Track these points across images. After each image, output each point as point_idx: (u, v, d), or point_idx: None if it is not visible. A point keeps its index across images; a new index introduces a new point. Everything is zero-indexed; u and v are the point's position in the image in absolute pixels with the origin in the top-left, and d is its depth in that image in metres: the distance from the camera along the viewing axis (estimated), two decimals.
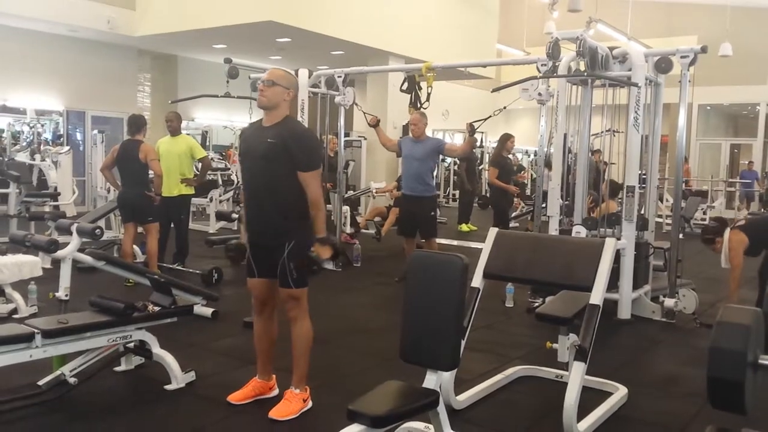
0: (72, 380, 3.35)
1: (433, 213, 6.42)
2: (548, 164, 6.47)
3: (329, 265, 7.14)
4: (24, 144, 11.66)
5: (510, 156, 8.92)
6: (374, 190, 10.22)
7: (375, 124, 6.62)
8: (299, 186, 3.13)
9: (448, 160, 16.46)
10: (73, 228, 4.48)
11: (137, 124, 6.05)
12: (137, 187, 5.90)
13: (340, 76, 7.34)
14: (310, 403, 3.27)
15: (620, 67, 5.40)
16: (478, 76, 14.06)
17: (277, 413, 3.15)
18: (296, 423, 3.13)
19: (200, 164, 6.72)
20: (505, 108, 6.42)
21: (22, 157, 9.30)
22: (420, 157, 6.15)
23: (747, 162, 17.67)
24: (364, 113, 6.99)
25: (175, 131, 6.55)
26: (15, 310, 4.79)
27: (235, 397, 3.35)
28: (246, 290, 4.61)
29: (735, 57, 13.73)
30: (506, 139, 8.22)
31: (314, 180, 3.16)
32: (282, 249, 3.15)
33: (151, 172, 6.02)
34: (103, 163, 6.23)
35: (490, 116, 6.09)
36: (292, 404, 3.19)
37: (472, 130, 5.98)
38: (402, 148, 6.36)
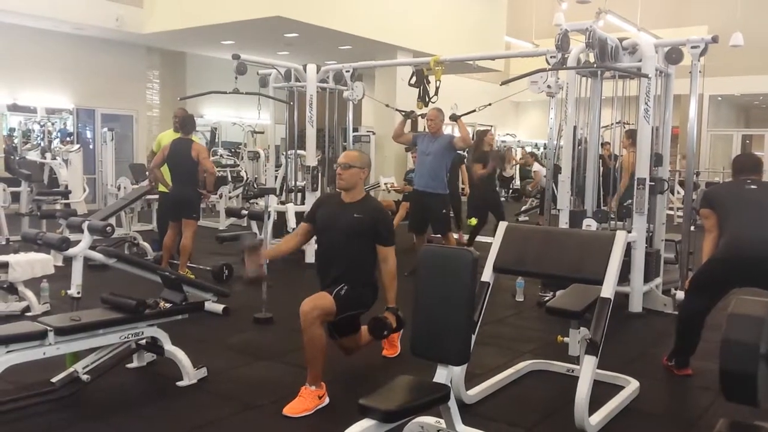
0: (85, 377, 3.36)
1: (445, 211, 6.46)
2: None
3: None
4: (35, 142, 11.72)
5: (496, 149, 9.17)
6: (387, 184, 10.21)
7: (409, 116, 6.76)
8: (374, 257, 3.45)
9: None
10: (85, 226, 4.49)
11: (191, 123, 6.23)
12: (189, 185, 6.03)
13: (348, 71, 7.33)
14: (326, 400, 3.27)
15: (630, 58, 5.36)
16: (487, 69, 13.93)
17: (290, 410, 3.16)
18: (308, 418, 3.13)
19: None
20: (490, 104, 6.70)
21: (33, 156, 9.35)
22: (435, 153, 6.17)
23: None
24: (398, 110, 6.95)
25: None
26: (28, 308, 4.82)
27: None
28: (257, 287, 4.65)
29: (746, 47, 13.56)
30: (484, 135, 8.38)
31: (393, 254, 3.46)
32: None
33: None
34: (153, 161, 6.32)
35: (474, 111, 6.53)
36: (307, 401, 3.19)
37: (454, 116, 6.33)
38: (418, 144, 6.43)
